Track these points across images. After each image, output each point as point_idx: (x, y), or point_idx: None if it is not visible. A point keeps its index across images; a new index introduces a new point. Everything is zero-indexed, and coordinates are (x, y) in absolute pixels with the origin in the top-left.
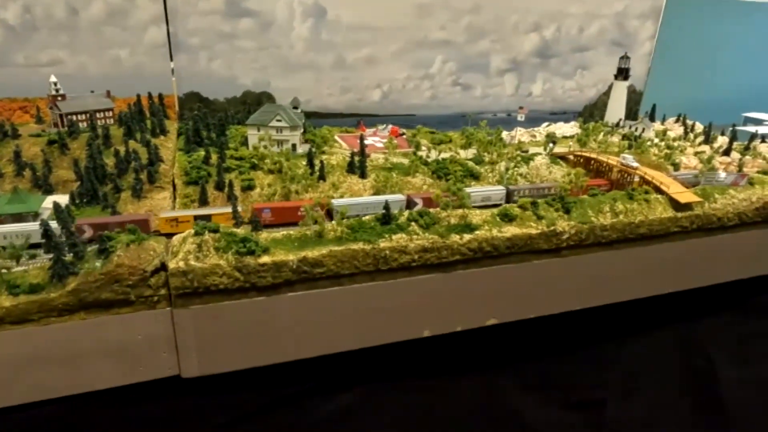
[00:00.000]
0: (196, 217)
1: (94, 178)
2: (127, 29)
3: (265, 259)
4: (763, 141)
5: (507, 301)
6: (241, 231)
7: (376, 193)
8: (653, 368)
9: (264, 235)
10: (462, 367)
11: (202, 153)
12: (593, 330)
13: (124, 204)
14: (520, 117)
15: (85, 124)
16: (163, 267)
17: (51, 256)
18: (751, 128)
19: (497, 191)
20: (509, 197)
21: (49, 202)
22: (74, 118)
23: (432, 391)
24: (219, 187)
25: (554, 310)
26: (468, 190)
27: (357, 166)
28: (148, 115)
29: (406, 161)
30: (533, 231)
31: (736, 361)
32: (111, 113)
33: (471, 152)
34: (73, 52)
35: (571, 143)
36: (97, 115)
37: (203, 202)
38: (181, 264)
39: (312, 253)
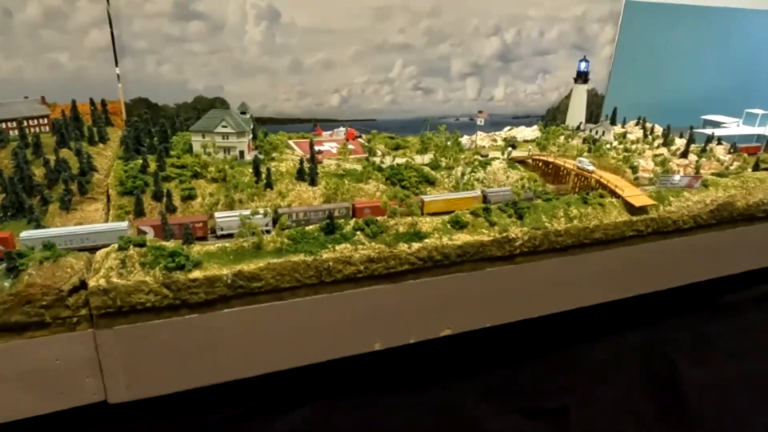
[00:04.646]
0: None
1: (20, 190)
2: (66, 32)
3: (196, 274)
4: (719, 143)
5: (462, 310)
6: (170, 244)
7: (326, 201)
8: (615, 374)
9: (197, 248)
10: (418, 379)
11: (140, 161)
12: (552, 338)
13: (51, 217)
14: (480, 121)
15: (17, 132)
16: (83, 285)
17: None
18: (708, 130)
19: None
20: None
21: None
22: (3, 125)
23: (388, 406)
24: (157, 197)
25: (511, 319)
26: (218, 215)
27: (307, 173)
28: (89, 122)
29: (360, 167)
30: (485, 238)
31: (698, 363)
32: (46, 120)
33: (428, 157)
34: (7, 56)
35: (530, 147)
36: (30, 122)
37: (139, 213)
38: (102, 282)
39: (248, 267)
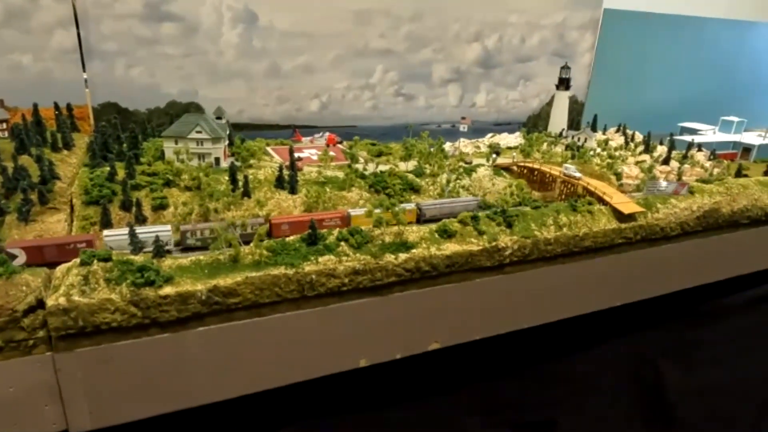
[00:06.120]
0: None
1: None
2: (29, 32)
3: (167, 290)
4: (699, 149)
5: (450, 323)
6: (139, 258)
7: (307, 210)
8: (603, 383)
9: (168, 262)
10: (405, 394)
11: (107, 168)
12: (541, 348)
13: (8, 229)
14: (463, 128)
15: None
16: (40, 304)
17: None
18: (687, 137)
19: (163, 232)
20: (182, 240)
21: None
22: None
23: (373, 424)
24: (125, 206)
25: (501, 330)
26: (106, 233)
27: (286, 180)
28: (53, 127)
29: (342, 174)
30: (474, 248)
31: (685, 370)
32: (5, 125)
33: (412, 164)
34: None
35: (514, 154)
36: None
37: (106, 224)
38: (62, 300)
39: (225, 281)
